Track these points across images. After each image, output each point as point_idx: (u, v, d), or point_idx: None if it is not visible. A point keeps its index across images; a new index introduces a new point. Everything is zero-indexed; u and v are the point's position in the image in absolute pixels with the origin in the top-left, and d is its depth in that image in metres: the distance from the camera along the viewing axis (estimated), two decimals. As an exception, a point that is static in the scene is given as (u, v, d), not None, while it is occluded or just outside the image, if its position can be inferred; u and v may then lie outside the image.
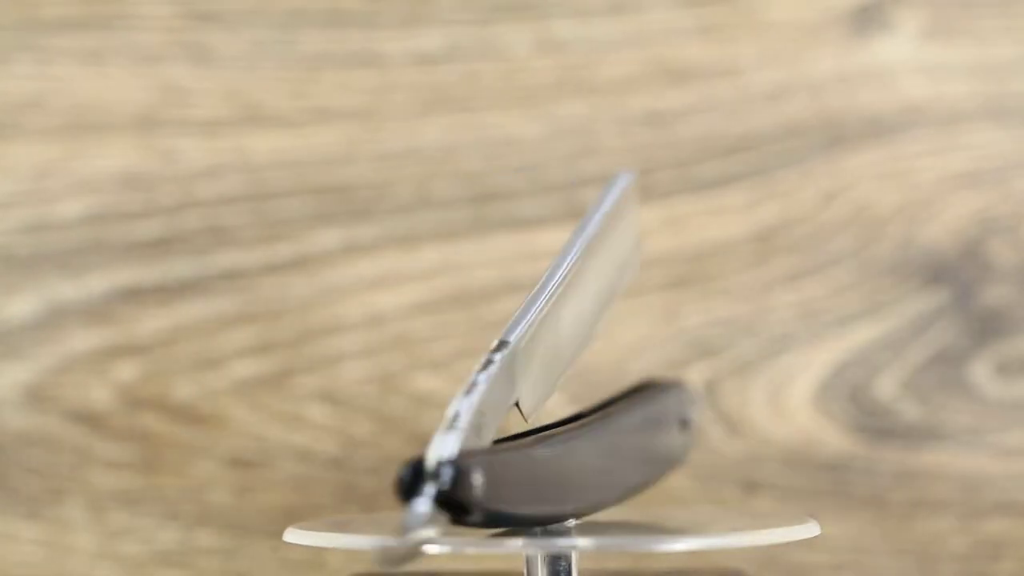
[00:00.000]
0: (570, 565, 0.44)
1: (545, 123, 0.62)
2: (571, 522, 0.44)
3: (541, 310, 0.44)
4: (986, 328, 0.62)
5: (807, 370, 0.62)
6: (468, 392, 0.40)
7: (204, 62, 0.62)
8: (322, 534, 0.43)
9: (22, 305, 0.61)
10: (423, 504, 0.38)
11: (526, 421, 0.43)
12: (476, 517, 0.39)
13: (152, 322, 0.61)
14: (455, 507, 0.39)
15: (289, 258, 0.62)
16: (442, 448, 0.39)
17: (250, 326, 0.61)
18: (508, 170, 0.62)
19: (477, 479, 0.39)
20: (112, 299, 0.61)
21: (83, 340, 0.61)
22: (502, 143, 0.62)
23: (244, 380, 0.61)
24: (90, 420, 0.61)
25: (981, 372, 0.62)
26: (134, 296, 0.61)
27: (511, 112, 0.62)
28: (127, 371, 0.61)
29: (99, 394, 0.61)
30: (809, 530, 0.44)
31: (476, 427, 0.40)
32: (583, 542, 0.42)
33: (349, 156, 0.62)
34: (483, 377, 0.41)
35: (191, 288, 0.62)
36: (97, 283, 0.61)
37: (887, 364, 0.62)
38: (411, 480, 0.39)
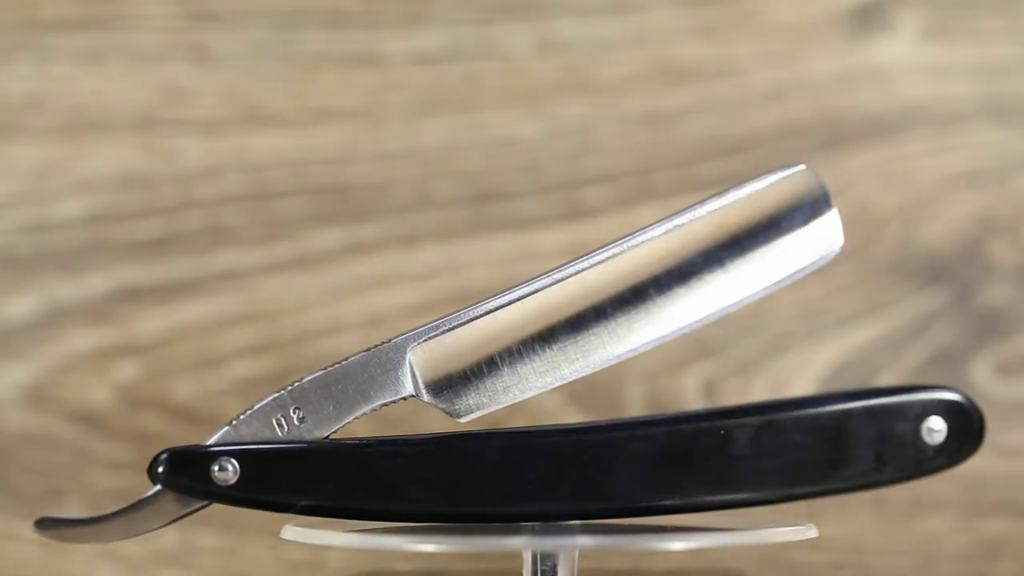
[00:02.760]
0: (556, 565, 0.44)
1: (545, 123, 0.62)
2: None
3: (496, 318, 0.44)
4: (986, 328, 0.62)
5: (807, 370, 0.62)
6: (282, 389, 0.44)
7: (204, 62, 0.62)
8: (319, 532, 0.43)
9: (22, 305, 0.61)
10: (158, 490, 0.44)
11: (457, 419, 0.44)
12: (230, 501, 0.44)
13: (152, 322, 0.61)
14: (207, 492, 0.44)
15: (289, 258, 0.62)
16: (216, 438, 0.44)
17: (250, 326, 0.61)
18: (508, 170, 0.62)
19: (215, 469, 0.44)
20: (112, 299, 0.61)
21: (83, 340, 0.61)
22: (502, 143, 0.62)
23: (244, 380, 0.61)
24: (90, 420, 0.61)
25: (981, 372, 0.62)
26: (134, 296, 0.61)
27: (511, 112, 0.62)
28: (127, 371, 0.61)
29: (99, 394, 0.61)
30: (807, 531, 0.44)
31: (280, 420, 0.44)
32: (583, 541, 0.42)
33: (349, 156, 0.62)
34: (313, 376, 0.44)
35: (191, 288, 0.62)
36: (97, 283, 0.62)
37: (887, 364, 0.62)
38: (150, 467, 0.44)
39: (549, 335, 0.44)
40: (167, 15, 0.62)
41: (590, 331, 0.44)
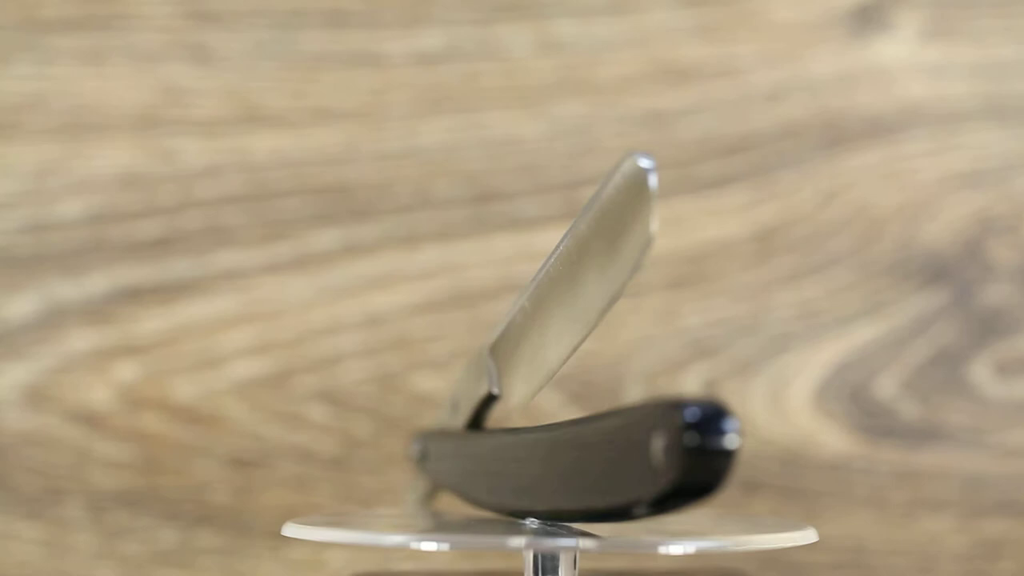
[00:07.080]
0: (556, 565, 0.44)
1: (545, 123, 0.62)
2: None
3: (522, 310, 0.44)
4: (986, 328, 0.62)
5: (807, 370, 0.62)
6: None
7: (204, 62, 0.62)
8: (319, 529, 0.43)
9: (22, 305, 0.61)
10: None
11: (511, 407, 0.45)
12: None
13: (152, 322, 0.61)
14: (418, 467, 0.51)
15: (289, 258, 0.62)
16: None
17: (250, 326, 0.61)
18: (508, 170, 0.62)
19: (415, 451, 0.51)
20: (112, 299, 0.61)
21: (83, 340, 0.61)
22: (502, 143, 0.62)
23: (244, 380, 0.61)
24: (90, 420, 0.61)
25: (981, 372, 0.62)
26: (134, 296, 0.61)
27: (511, 112, 0.62)
28: (127, 371, 0.61)
29: (99, 394, 0.61)
30: (807, 536, 0.44)
31: (450, 410, 0.49)
32: (585, 541, 0.42)
33: (349, 156, 0.62)
34: (463, 372, 0.48)
35: (191, 288, 0.62)
36: (97, 283, 0.62)
37: (887, 364, 0.62)
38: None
39: (543, 336, 0.44)
40: (167, 15, 0.62)
41: (574, 330, 0.44)
